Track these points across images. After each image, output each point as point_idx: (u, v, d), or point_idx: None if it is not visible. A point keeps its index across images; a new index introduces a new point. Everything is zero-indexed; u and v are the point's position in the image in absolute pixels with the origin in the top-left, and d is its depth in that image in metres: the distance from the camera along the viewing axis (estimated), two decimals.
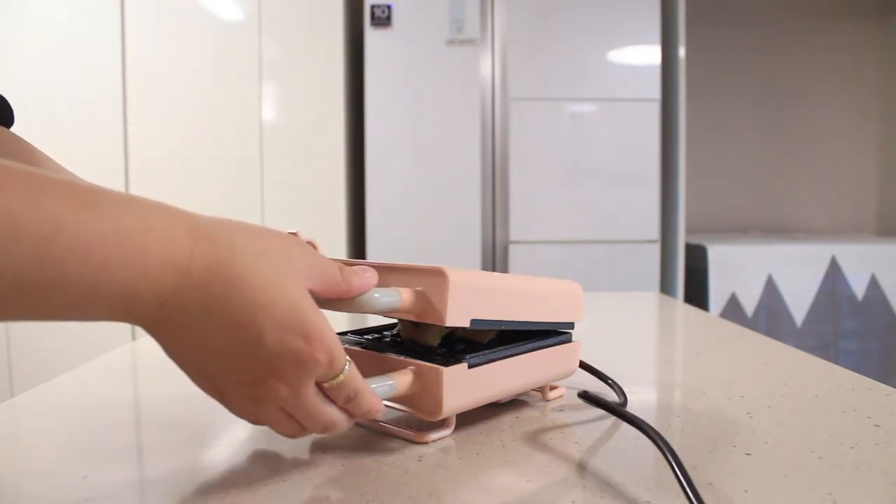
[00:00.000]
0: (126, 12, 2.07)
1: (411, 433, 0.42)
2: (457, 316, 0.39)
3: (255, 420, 0.36)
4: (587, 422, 0.45)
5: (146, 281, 0.28)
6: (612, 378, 0.53)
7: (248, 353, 0.31)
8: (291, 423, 0.35)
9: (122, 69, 2.08)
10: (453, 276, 0.38)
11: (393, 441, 0.42)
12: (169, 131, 2.10)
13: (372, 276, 0.37)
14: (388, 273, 0.42)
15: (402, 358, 0.41)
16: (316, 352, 0.32)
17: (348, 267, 0.37)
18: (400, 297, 0.38)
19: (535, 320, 0.46)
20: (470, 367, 0.41)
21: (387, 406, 0.43)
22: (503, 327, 0.43)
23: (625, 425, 0.44)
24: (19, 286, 0.25)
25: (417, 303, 0.39)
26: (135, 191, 2.09)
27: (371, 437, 0.43)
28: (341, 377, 0.34)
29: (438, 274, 0.38)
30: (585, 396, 0.44)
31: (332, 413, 0.35)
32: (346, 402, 0.35)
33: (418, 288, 0.39)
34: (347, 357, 0.34)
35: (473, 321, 0.40)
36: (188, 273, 0.29)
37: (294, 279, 0.32)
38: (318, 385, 0.34)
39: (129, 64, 2.08)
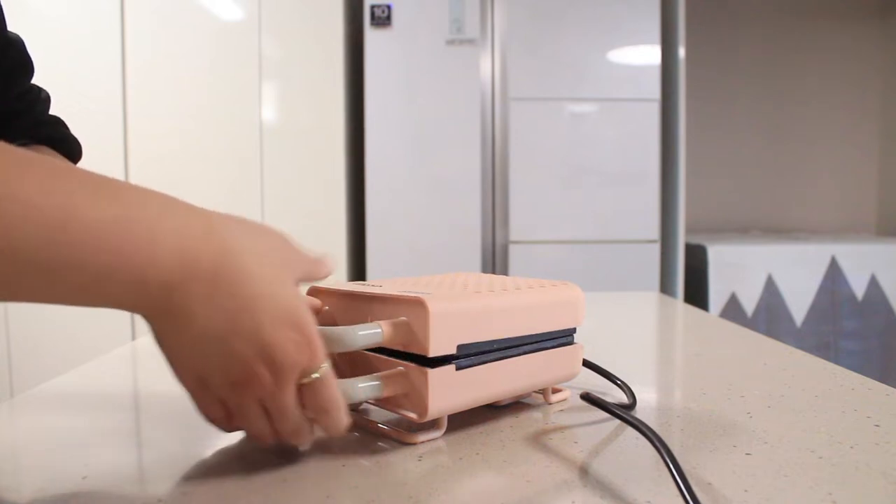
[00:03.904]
0: (126, 12, 2.06)
1: (401, 433, 0.42)
2: (441, 345, 0.39)
3: (226, 419, 0.37)
4: (589, 423, 0.45)
5: (155, 268, 0.30)
6: (621, 378, 0.52)
7: (244, 341, 0.33)
8: (264, 420, 0.36)
9: (122, 69, 2.08)
10: (434, 306, 0.38)
11: (392, 441, 0.42)
12: (169, 131, 2.10)
13: (331, 266, 0.40)
14: (371, 303, 0.42)
15: (388, 358, 0.41)
16: (303, 343, 0.34)
17: (318, 259, 0.40)
18: (382, 331, 0.39)
19: (529, 334, 0.45)
20: (458, 368, 0.40)
21: (376, 406, 0.44)
22: (495, 347, 0.43)
23: (626, 426, 0.44)
24: (33, 267, 0.26)
25: (400, 334, 0.39)
26: None
27: (369, 437, 0.43)
28: (317, 374, 0.35)
29: (419, 304, 0.39)
30: (587, 398, 0.44)
31: (303, 419, 0.36)
32: (321, 414, 0.36)
33: (402, 318, 0.39)
34: (328, 360, 0.36)
35: (460, 346, 0.40)
36: (198, 264, 0.31)
37: (288, 276, 0.35)
38: (297, 387, 0.35)
39: (129, 64, 2.08)
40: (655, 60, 2.14)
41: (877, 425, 0.44)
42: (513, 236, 2.16)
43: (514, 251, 2.16)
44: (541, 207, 2.16)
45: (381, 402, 0.42)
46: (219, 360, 0.33)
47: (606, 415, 0.46)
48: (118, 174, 2.08)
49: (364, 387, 0.38)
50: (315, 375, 0.35)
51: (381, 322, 0.39)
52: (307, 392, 0.36)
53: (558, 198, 2.16)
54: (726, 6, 2.91)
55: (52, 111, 0.60)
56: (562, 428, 0.44)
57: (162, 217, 0.30)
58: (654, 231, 2.18)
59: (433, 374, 0.39)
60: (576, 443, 0.41)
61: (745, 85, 2.93)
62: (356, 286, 0.46)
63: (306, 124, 2.13)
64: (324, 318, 0.46)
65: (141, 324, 2.07)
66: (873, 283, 2.28)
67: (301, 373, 0.35)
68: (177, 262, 0.30)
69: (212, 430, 0.44)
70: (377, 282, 0.48)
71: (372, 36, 2.09)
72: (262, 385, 0.34)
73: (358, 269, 2.33)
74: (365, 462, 0.38)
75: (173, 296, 0.31)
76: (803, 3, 2.93)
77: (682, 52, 2.21)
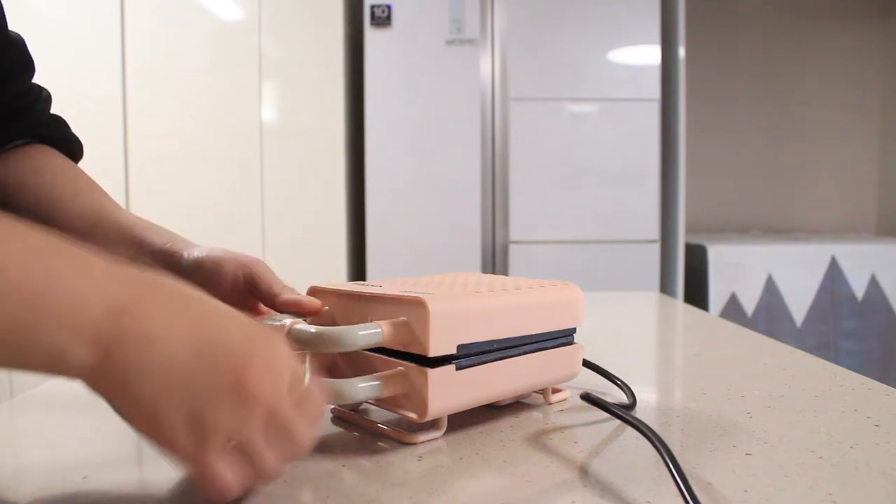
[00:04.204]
0: (126, 12, 2.06)
1: (401, 433, 0.42)
2: (441, 345, 0.39)
3: (233, 467, 0.30)
4: (589, 423, 0.45)
5: (96, 287, 0.27)
6: (621, 378, 0.52)
7: (221, 350, 0.29)
8: (272, 452, 0.31)
9: (122, 69, 2.08)
10: (434, 306, 0.38)
11: (392, 441, 0.42)
12: (169, 131, 2.10)
13: None
14: (371, 303, 0.42)
15: (388, 358, 0.41)
16: (280, 344, 0.32)
17: None
18: (382, 331, 0.39)
19: (529, 334, 0.45)
20: (458, 368, 0.40)
21: (376, 406, 0.44)
22: (495, 347, 0.43)
23: (627, 426, 0.44)
24: None
25: (400, 334, 0.39)
26: (135, 191, 2.10)
27: (369, 437, 0.43)
28: (307, 377, 0.33)
29: (419, 304, 0.39)
30: (587, 398, 0.44)
31: (307, 429, 0.33)
32: (319, 406, 0.34)
33: (402, 318, 0.39)
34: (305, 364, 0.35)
35: (460, 346, 0.40)
36: (141, 283, 0.29)
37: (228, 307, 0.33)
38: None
39: (129, 64, 2.08)
40: (655, 60, 2.14)
41: (877, 425, 0.44)
42: (513, 236, 2.16)
43: (514, 251, 2.16)
44: (541, 207, 2.16)
45: (381, 402, 0.42)
46: (203, 389, 0.29)
47: (606, 415, 0.46)
48: (118, 174, 2.08)
49: (364, 387, 0.38)
50: (307, 377, 0.33)
51: (381, 322, 0.39)
52: (303, 399, 0.33)
53: (558, 198, 2.16)
54: (726, 6, 2.91)
55: (52, 111, 0.60)
56: (562, 428, 0.44)
57: (91, 258, 0.28)
58: (654, 231, 2.18)
59: (433, 374, 0.39)
60: (576, 443, 0.41)
61: (745, 85, 2.93)
62: (356, 286, 0.46)
63: (306, 124, 2.13)
64: (324, 318, 0.46)
65: None
66: (873, 283, 2.28)
67: (290, 380, 0.32)
68: (117, 282, 0.28)
69: None
70: (377, 282, 0.48)
71: (372, 36, 2.09)
72: (263, 395, 0.30)
73: (358, 269, 2.33)
74: (365, 462, 0.38)
75: (125, 317, 0.27)
76: (803, 3, 2.93)
77: (682, 52, 2.21)
